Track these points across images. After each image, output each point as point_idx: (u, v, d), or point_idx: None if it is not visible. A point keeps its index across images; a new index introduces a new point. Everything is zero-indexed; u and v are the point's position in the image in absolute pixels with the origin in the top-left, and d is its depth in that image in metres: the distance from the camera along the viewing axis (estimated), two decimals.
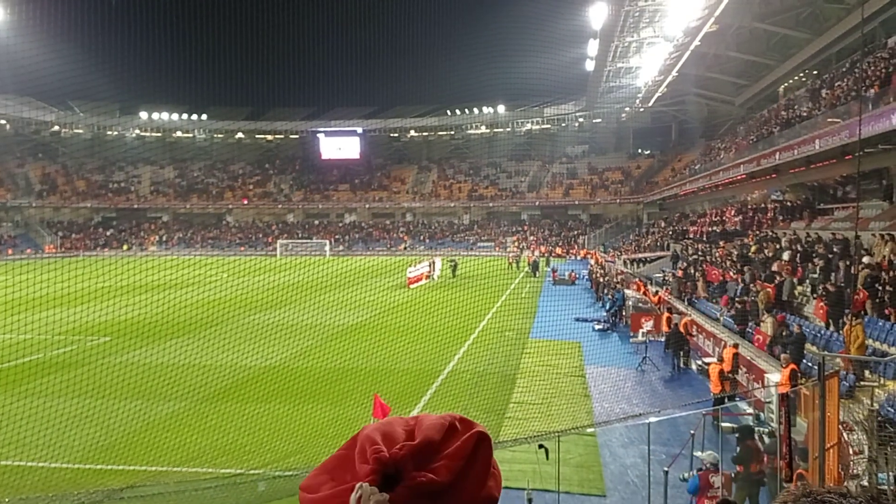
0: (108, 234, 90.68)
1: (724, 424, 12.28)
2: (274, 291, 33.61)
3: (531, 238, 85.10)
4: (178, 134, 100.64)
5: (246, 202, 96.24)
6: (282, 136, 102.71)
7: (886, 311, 18.87)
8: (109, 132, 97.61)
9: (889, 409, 13.69)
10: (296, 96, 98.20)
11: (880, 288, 19.32)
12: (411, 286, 45.42)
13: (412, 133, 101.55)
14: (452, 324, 26.08)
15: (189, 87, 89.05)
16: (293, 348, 24.80)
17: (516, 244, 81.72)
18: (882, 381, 15.97)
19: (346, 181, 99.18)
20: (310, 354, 24.27)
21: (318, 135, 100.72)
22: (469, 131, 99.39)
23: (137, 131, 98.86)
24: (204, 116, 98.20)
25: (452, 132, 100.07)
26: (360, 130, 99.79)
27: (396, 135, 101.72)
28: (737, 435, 11.60)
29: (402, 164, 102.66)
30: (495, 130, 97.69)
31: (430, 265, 53.23)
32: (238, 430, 15.87)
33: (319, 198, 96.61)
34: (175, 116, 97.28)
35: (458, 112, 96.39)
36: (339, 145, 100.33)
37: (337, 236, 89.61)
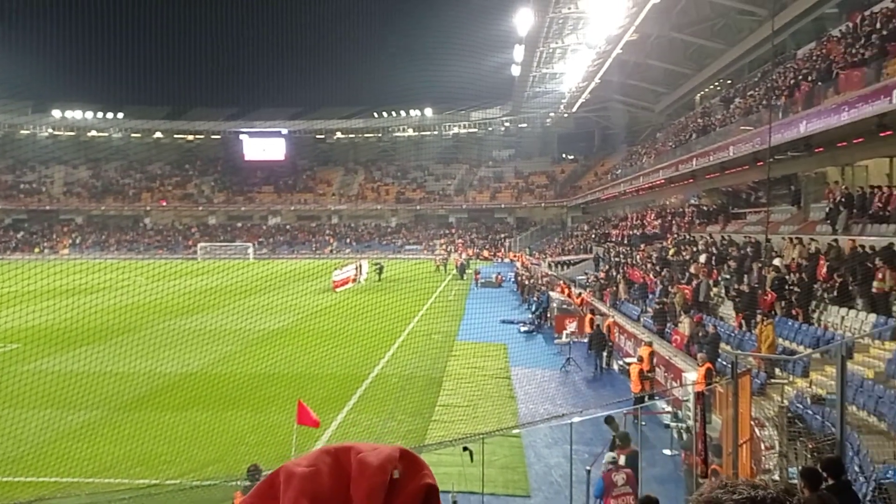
0: (18, 236, 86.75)
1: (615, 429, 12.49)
2: (194, 296, 32.76)
3: (459, 241, 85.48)
4: (93, 133, 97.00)
5: (164, 204, 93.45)
6: (203, 137, 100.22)
7: (794, 312, 19.75)
8: (21, 131, 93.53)
9: (798, 405, 14.32)
10: (217, 96, 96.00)
11: (788, 289, 20.19)
12: (337, 289, 44.98)
13: (338, 135, 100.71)
14: (379, 327, 25.95)
15: (105, 84, 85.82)
16: (213, 354, 24.20)
17: (444, 247, 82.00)
18: (791, 379, 16.69)
19: (271, 183, 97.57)
20: (231, 360, 23.73)
21: (242, 135, 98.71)
22: (396, 134, 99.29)
23: (50, 130, 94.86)
24: (120, 115, 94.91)
25: (380, 134, 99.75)
26: (284, 131, 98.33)
27: (322, 136, 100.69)
28: (618, 442, 11.80)
29: (328, 166, 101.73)
30: (423, 133, 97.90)
31: (356, 268, 52.81)
32: (154, 440, 15.38)
33: (242, 199, 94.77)
34: (90, 115, 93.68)
35: (385, 114, 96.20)
36: (264, 146, 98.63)
37: (261, 239, 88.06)
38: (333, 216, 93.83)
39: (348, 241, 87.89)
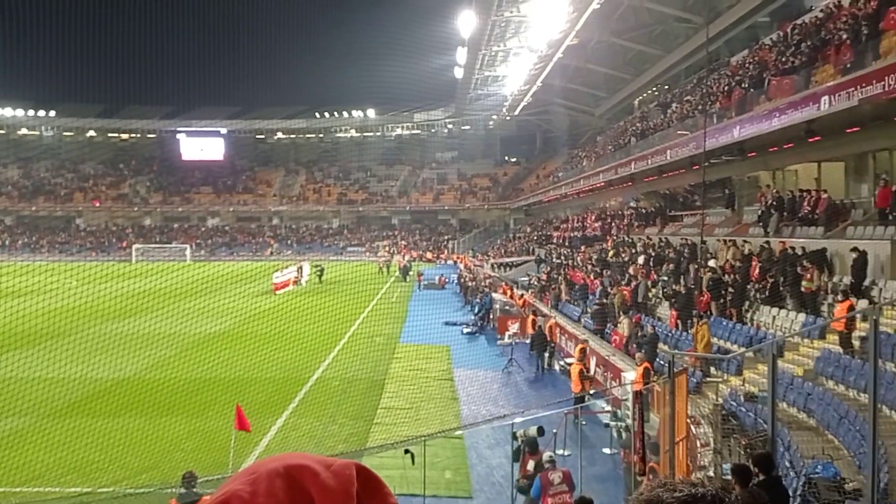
0: None
1: (517, 432, 12.49)
2: (128, 299, 31.90)
3: (401, 243, 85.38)
4: (23, 131, 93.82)
5: (98, 204, 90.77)
6: (138, 135, 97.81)
7: (728, 312, 20.31)
8: None
9: (732, 403, 14.72)
10: (153, 94, 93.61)
11: (723, 290, 20.76)
12: (278, 292, 44.43)
13: (279, 135, 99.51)
14: (320, 330, 25.70)
15: (35, 81, 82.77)
16: (148, 359, 23.61)
17: (386, 249, 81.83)
18: (725, 377, 17.15)
19: (209, 183, 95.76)
20: (167, 365, 23.19)
21: (179, 135, 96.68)
22: (338, 134, 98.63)
23: None
24: (52, 113, 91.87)
25: (321, 135, 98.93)
26: (223, 131, 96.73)
27: (263, 136, 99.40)
28: (526, 448, 11.85)
29: (269, 167, 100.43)
30: (365, 134, 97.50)
31: (297, 270, 52.27)
32: (86, 447, 14.89)
33: (180, 200, 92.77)
34: (20, 112, 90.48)
35: (326, 115, 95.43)
36: (201, 146, 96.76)
37: (199, 240, 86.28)
38: (274, 217, 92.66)
39: (289, 242, 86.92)
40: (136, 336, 26.13)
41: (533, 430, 12.17)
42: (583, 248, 42.18)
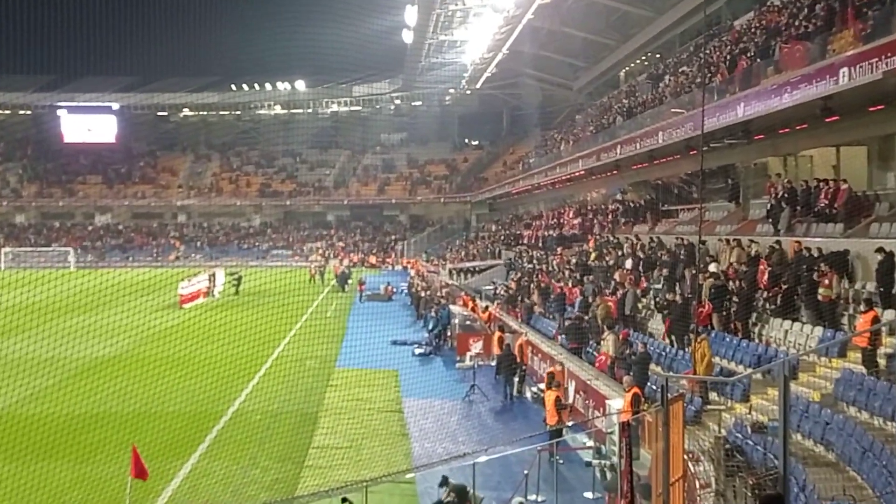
0: None
1: (452, 482, 12.71)
2: None
3: (339, 244, 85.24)
4: None
5: None
6: (7, 112, 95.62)
7: (732, 326, 20.66)
8: None
9: (737, 435, 14.91)
10: (27, 60, 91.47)
11: (727, 300, 21.11)
12: (185, 306, 44.03)
13: (186, 112, 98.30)
14: (238, 353, 25.46)
15: None
16: (22, 390, 23.08)
17: (320, 252, 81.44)
18: (729, 404, 17.38)
19: (98, 171, 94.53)
20: (45, 397, 22.73)
21: (59, 111, 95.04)
22: (260, 111, 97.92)
23: None
24: None
25: (239, 112, 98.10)
26: (115, 106, 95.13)
27: (165, 113, 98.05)
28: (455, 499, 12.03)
29: (174, 151, 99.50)
30: (293, 111, 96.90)
31: (209, 279, 51.76)
32: None
33: (61, 193, 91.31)
34: None
35: (245, 87, 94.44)
36: (88, 125, 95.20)
37: (85, 242, 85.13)
38: (180, 214, 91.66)
39: (199, 244, 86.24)
40: (6, 362, 25.53)
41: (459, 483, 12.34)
42: (559, 249, 42.57)
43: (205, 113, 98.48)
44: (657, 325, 24.63)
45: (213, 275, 53.00)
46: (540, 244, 48.39)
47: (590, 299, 28.60)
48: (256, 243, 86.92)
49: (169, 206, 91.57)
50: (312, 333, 34.52)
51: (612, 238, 38.13)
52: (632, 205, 41.48)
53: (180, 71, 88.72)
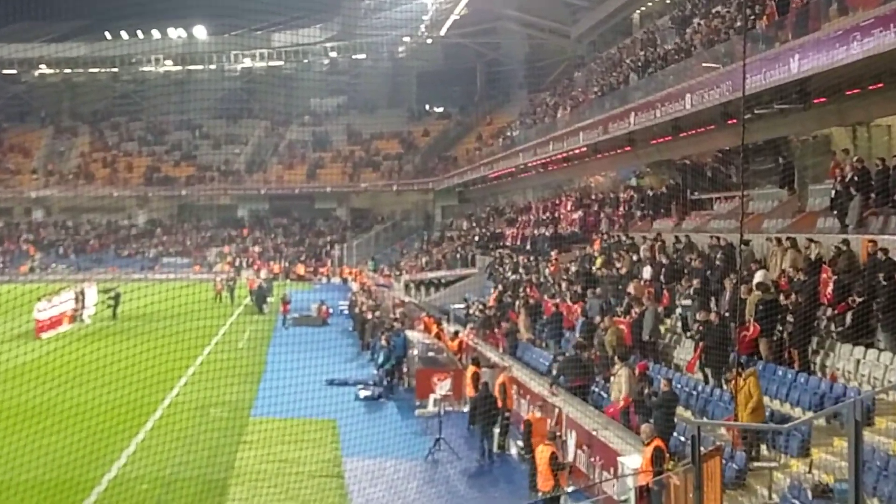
0: None
1: None
2: None
3: (254, 249, 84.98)
4: None
5: None
6: None
7: (787, 354, 20.72)
8: None
9: (794, 501, 15.00)
10: None
11: (778, 319, 21.18)
12: (44, 335, 43.68)
13: (43, 69, 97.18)
14: (118, 399, 25.26)
15: None
16: None
17: (230, 260, 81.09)
18: (784, 460, 17.48)
19: None
20: None
21: None
22: (145, 68, 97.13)
23: None
24: None
25: (115, 69, 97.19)
26: None
27: (14, 71, 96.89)
28: None
29: (25, 123, 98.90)
30: (190, 68, 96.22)
31: (76, 298, 51.20)
32: None
33: None
34: None
35: (124, 35, 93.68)
36: None
37: None
38: (35, 209, 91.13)
39: (62, 251, 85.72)
40: None
41: None
42: (554, 254, 42.70)
43: (69, 70, 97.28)
44: (685, 354, 24.76)
45: (82, 292, 52.41)
46: (528, 247, 48.54)
47: (595, 321, 28.70)
48: (141, 249, 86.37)
49: (19, 198, 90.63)
50: (219, 371, 34.29)
51: (624, 238, 38.29)
52: (651, 193, 41.64)
53: (35, 12, 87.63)
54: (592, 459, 20.50)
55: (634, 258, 33.76)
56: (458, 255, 60.95)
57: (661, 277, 29.55)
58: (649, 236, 35.38)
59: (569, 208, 50.32)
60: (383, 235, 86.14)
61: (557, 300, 34.28)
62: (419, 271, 62.93)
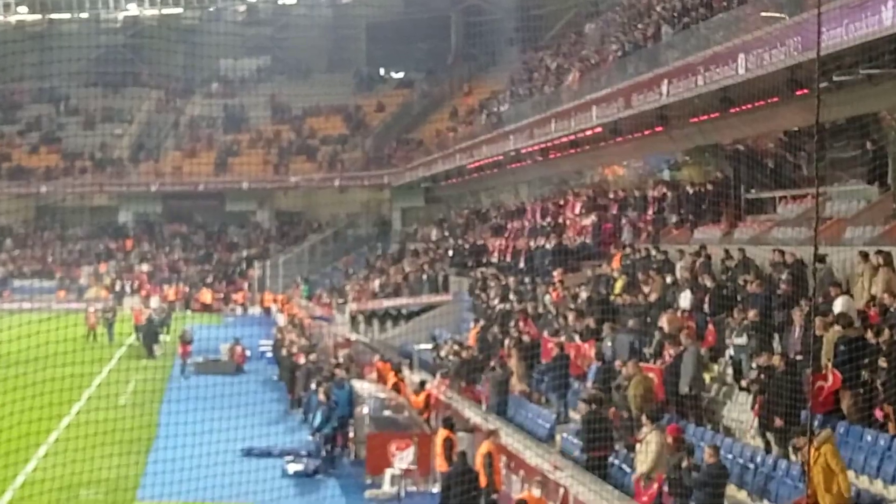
0: None
1: None
2: None
3: (142, 268, 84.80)
4: None
5: None
6: None
7: (881, 414, 20.67)
8: None
9: None
10: None
11: (867, 365, 21.12)
12: None
13: None
14: None
15: None
16: None
17: (107, 283, 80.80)
18: None
19: None
20: None
21: None
22: None
23: None
24: None
25: None
26: None
27: None
28: None
29: None
30: (52, 17, 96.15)
31: None
32: None
33: None
34: None
35: None
36: None
37: None
38: None
39: None
40: None
41: None
42: (557, 274, 42.64)
43: None
44: (739, 412, 24.78)
45: None
46: (521, 264, 48.49)
47: (615, 367, 28.66)
48: None
49: None
50: (93, 438, 34.14)
51: (654, 252, 38.20)
52: (690, 191, 41.71)
53: None
54: None
55: (668, 280, 33.67)
56: (424, 277, 60.76)
57: (705, 306, 29.55)
58: (688, 250, 35.46)
59: (578, 211, 50.35)
60: (321, 249, 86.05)
61: (562, 338, 34.18)
62: (371, 299, 62.77)
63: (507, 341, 37.17)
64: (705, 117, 37.68)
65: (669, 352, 27.19)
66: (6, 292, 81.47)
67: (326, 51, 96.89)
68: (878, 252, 24.82)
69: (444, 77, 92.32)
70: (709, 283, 30.75)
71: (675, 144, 44.20)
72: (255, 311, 75.85)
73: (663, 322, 29.47)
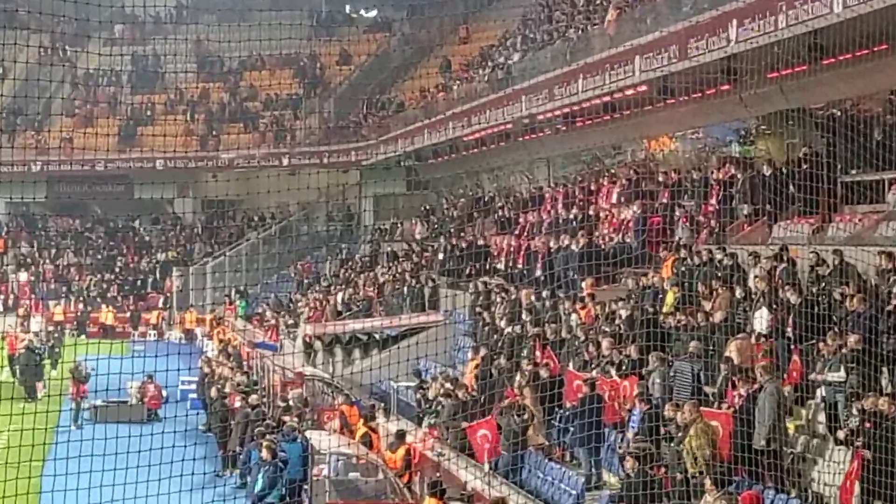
0: None
1: None
2: None
3: (18, 276, 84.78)
4: None
5: None
6: None
7: None
8: None
9: None
10: None
11: None
12: None
13: None
14: None
15: None
16: None
17: None
18: None
19: None
20: None
21: None
22: None
23: None
24: None
25: None
26: None
27: None
28: None
29: None
30: None
31: None
32: None
33: None
34: None
35: None
36: None
37: None
38: None
39: None
40: None
41: None
42: (587, 285, 42.81)
43: None
44: (835, 474, 24.85)
45: None
46: (538, 272, 48.53)
47: (665, 412, 28.75)
48: None
49: None
50: None
51: (718, 256, 38.28)
52: (768, 171, 41.73)
53: None
54: None
55: (738, 293, 33.79)
56: (405, 290, 60.95)
57: (788, 330, 29.61)
58: (765, 252, 35.59)
59: (615, 200, 50.37)
60: (265, 251, 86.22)
61: (594, 373, 34.27)
62: (332, 319, 62.78)
63: (518, 377, 37.21)
64: (788, 72, 37.82)
65: (740, 391, 27.32)
66: None
67: None
68: None
69: (432, 16, 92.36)
70: (793, 298, 30.79)
71: (747, 109, 44.30)
72: (175, 336, 75.84)
73: (731, 351, 29.59)
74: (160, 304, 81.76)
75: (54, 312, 77.60)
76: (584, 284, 42.89)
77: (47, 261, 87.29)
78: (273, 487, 33.82)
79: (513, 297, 47.41)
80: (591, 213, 50.85)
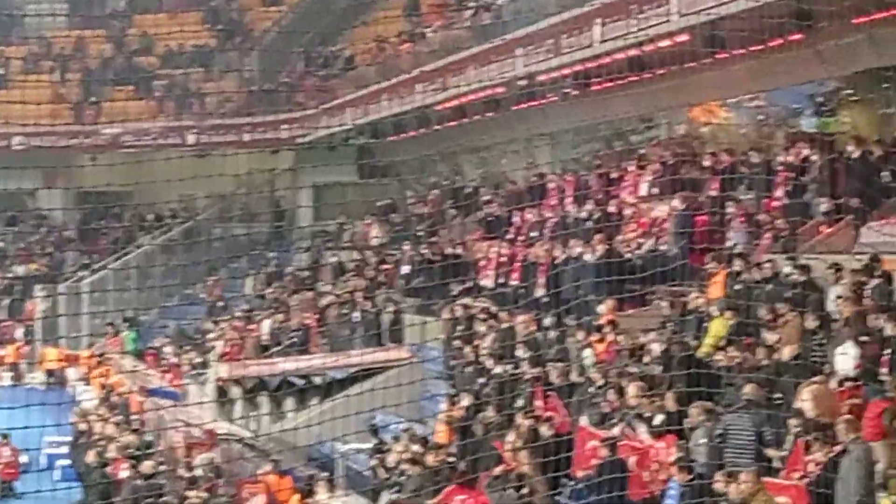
0: None
1: None
2: None
3: None
4: None
5: None
6: None
7: None
8: None
9: None
10: None
11: None
12: None
13: None
14: None
15: None
16: None
17: None
18: None
19: None
20: None
21: None
22: None
23: None
24: None
25: None
26: None
27: None
28: None
29: None
30: None
31: None
32: None
33: None
34: None
35: None
36: None
37: None
38: None
39: None
40: None
41: None
42: (606, 308, 42.92)
43: None
44: None
45: None
46: (539, 290, 48.61)
47: (716, 484, 28.83)
48: None
49: None
50: None
51: (787, 268, 38.36)
52: (855, 153, 41.79)
53: None
54: None
55: (811, 321, 33.80)
56: (357, 315, 61.08)
57: (884, 371, 29.65)
58: (851, 263, 35.66)
59: (645, 192, 50.43)
60: (162, 262, 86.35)
61: (616, 430, 34.36)
62: (254, 357, 62.87)
63: (511, 436, 37.24)
64: (880, 15, 37.93)
65: (818, 455, 27.41)
66: None
67: None
68: None
69: None
70: (889, 328, 30.87)
71: (825, 67, 44.43)
72: (38, 379, 75.93)
73: (804, 400, 29.64)
74: (18, 336, 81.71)
75: None
76: (601, 308, 42.92)
77: None
78: None
79: (504, 325, 47.40)
80: (611, 210, 50.84)
